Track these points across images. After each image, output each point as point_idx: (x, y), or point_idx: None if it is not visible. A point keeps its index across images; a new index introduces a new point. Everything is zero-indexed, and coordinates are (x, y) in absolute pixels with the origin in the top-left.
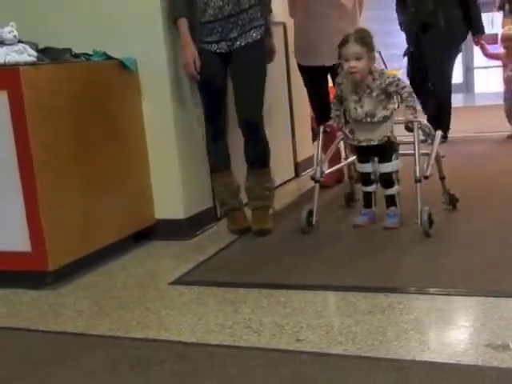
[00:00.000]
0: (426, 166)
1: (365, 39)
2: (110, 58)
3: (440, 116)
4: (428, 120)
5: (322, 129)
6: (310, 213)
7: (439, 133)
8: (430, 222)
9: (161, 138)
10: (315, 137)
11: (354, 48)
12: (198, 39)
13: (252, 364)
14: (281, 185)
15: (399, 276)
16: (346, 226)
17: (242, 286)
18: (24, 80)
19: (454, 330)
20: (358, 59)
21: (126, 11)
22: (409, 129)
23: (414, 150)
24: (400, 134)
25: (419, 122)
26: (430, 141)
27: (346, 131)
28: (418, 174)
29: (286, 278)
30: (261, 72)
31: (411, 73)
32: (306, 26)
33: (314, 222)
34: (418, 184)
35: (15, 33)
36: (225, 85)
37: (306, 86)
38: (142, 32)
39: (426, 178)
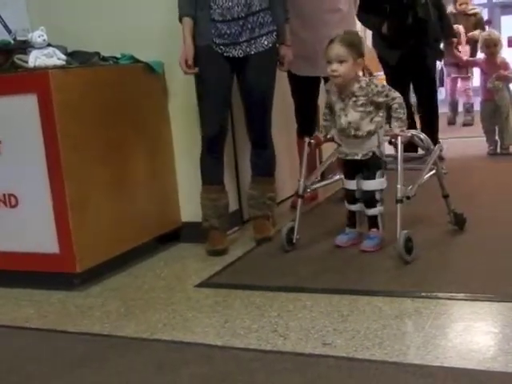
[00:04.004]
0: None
1: (351, 42)
2: (137, 61)
3: (430, 133)
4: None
5: (306, 141)
6: (291, 230)
7: (438, 147)
8: (409, 247)
9: (187, 141)
10: None
11: (337, 50)
12: (206, 37)
13: (278, 368)
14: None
15: (426, 281)
16: None
17: (269, 289)
18: (53, 83)
19: (483, 336)
20: (340, 62)
21: (154, 15)
22: (392, 143)
23: (398, 166)
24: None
25: (413, 136)
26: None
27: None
28: (399, 194)
29: (312, 281)
30: (270, 86)
31: (394, 79)
32: (301, 34)
33: (294, 240)
34: (399, 205)
35: (45, 37)
36: (229, 91)
37: (294, 96)
38: (169, 35)
39: (408, 198)
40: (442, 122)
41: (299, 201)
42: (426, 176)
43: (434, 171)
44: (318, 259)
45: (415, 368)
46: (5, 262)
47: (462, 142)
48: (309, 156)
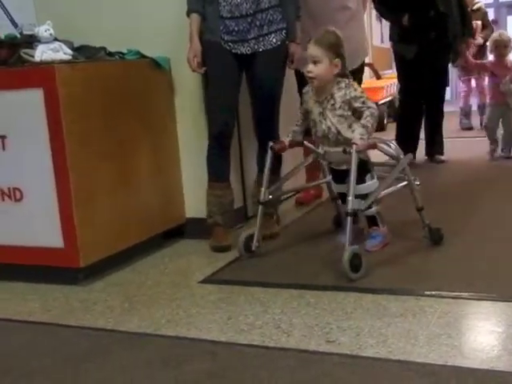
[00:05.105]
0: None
1: (327, 42)
2: (143, 56)
3: (436, 134)
4: (427, 139)
5: (269, 145)
6: (251, 238)
7: (408, 157)
8: (355, 264)
9: (192, 136)
10: None
11: (311, 50)
12: (215, 33)
13: (281, 364)
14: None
15: (431, 280)
16: None
17: (272, 286)
18: (59, 78)
19: (487, 335)
20: (315, 63)
21: (161, 10)
22: (345, 151)
23: (350, 178)
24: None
25: (375, 144)
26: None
27: (318, 149)
28: (349, 206)
29: (316, 278)
30: (278, 84)
31: (408, 76)
32: (310, 33)
33: (253, 248)
34: (349, 218)
35: (51, 31)
36: (237, 88)
37: (300, 94)
38: (176, 31)
39: (360, 211)
40: (454, 126)
41: (260, 207)
42: (390, 189)
43: (405, 183)
44: (322, 256)
45: (419, 366)
46: (9, 256)
47: (464, 142)
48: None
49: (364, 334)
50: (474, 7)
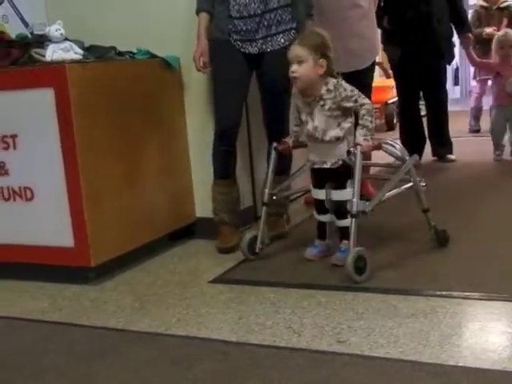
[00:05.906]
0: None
1: (311, 42)
2: (153, 56)
3: (442, 134)
4: (431, 140)
5: (273, 146)
6: (254, 239)
7: (414, 158)
8: (359, 266)
9: (202, 136)
10: None
11: (296, 50)
12: (225, 32)
13: (292, 364)
14: None
15: (441, 280)
16: (388, 229)
17: (283, 285)
18: (70, 77)
19: (499, 336)
20: (299, 63)
21: (170, 10)
22: (350, 153)
23: (354, 179)
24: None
25: (380, 145)
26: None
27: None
28: (354, 208)
29: (326, 279)
30: (287, 84)
31: (399, 77)
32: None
33: (257, 250)
34: (354, 219)
35: (62, 31)
36: (244, 86)
37: None
38: (186, 30)
39: (365, 213)
40: (463, 126)
41: (264, 209)
42: (394, 191)
43: (410, 184)
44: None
45: (430, 367)
46: (19, 255)
47: (473, 141)
48: None
49: (375, 334)
50: (502, 5)
